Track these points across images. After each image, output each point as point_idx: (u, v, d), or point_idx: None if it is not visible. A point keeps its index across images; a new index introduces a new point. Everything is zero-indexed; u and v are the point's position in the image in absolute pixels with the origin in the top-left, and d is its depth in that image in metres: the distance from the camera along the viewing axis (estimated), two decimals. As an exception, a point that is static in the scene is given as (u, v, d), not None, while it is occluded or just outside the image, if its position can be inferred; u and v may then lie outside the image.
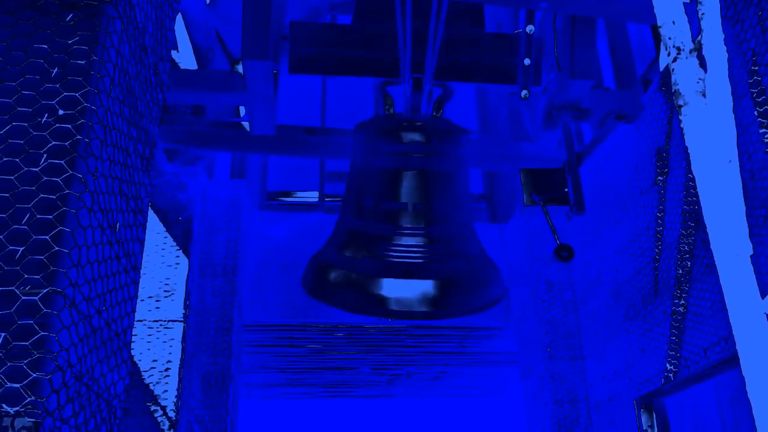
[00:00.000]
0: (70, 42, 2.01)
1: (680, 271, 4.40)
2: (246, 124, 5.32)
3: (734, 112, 1.55)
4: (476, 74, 4.69)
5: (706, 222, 1.41)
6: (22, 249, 1.74)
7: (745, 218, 1.39)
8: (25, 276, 1.72)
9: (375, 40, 4.48)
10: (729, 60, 1.99)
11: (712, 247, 1.40)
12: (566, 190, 4.69)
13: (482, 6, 4.70)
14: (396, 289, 4.21)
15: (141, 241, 2.45)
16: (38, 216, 1.78)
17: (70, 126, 1.89)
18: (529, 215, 5.38)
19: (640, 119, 4.94)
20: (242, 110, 5.95)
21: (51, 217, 1.79)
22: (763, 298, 1.35)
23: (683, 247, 4.36)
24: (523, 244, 6.33)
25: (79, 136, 1.89)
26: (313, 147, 5.34)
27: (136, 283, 2.38)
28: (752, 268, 1.38)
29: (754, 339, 1.31)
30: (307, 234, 6.39)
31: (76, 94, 1.93)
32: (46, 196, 1.80)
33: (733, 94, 1.67)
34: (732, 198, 1.37)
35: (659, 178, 4.71)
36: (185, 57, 5.92)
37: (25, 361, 1.66)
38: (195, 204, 5.63)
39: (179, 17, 5.81)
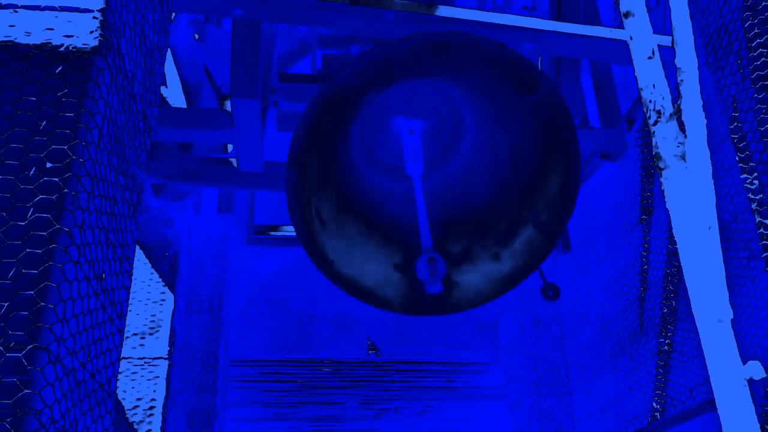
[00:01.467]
0: (59, 94, 2.02)
1: (665, 310, 4.43)
2: (234, 160, 5.33)
3: (716, 155, 1.58)
4: None
5: (687, 287, 1.43)
6: (6, 305, 1.74)
7: (725, 284, 1.41)
8: (10, 332, 1.71)
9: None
10: (710, 106, 2.03)
11: (693, 311, 1.42)
12: (552, 228, 4.72)
13: None
14: None
15: (127, 289, 2.44)
16: (24, 271, 1.78)
17: (57, 179, 1.90)
18: (516, 251, 5.40)
19: (625, 157, 5.00)
20: (230, 146, 5.97)
21: (36, 272, 1.78)
22: (744, 364, 1.37)
23: (668, 286, 4.40)
24: (510, 280, 6.34)
25: (66, 189, 1.89)
26: (300, 183, 5.35)
27: (122, 331, 2.37)
28: (733, 333, 1.40)
29: (735, 404, 1.32)
30: (294, 268, 6.39)
31: (65, 147, 1.94)
32: (32, 250, 1.80)
33: (715, 137, 1.70)
34: (712, 264, 1.39)
35: (644, 216, 4.76)
36: (173, 92, 5.95)
37: (8, 420, 1.64)
38: (181, 239, 5.61)
39: (168, 53, 5.85)
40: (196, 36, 6.14)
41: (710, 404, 4.05)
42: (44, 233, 1.83)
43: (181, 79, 6.04)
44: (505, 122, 3.39)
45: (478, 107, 3.50)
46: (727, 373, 1.34)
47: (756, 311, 3.38)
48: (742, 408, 1.30)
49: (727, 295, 1.41)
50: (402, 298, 3.47)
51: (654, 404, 4.50)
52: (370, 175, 3.79)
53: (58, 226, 1.85)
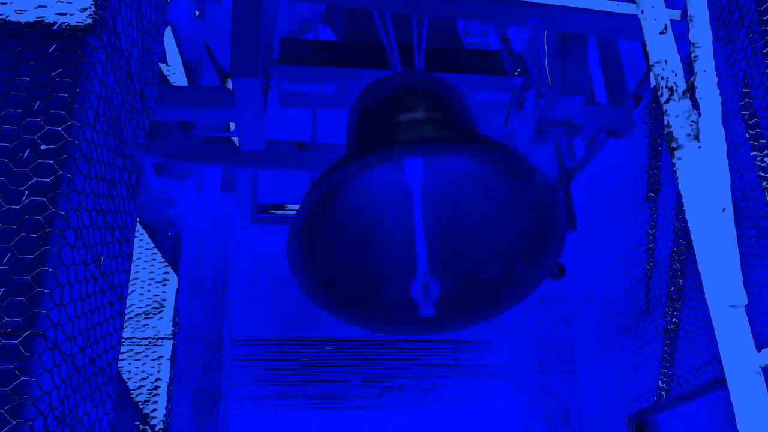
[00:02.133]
0: (52, 74, 1.97)
1: (672, 289, 4.39)
2: (236, 139, 5.28)
3: (726, 131, 1.53)
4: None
5: (700, 271, 1.38)
6: (2, 290, 1.70)
7: (739, 268, 1.36)
8: (6, 318, 1.68)
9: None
10: (720, 81, 1.98)
11: (706, 296, 1.38)
12: (558, 207, 4.67)
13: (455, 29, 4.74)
14: None
15: (127, 272, 2.41)
16: (19, 256, 1.74)
17: (52, 161, 1.85)
18: (521, 230, 5.36)
19: (632, 135, 4.94)
20: (232, 124, 5.91)
21: (32, 257, 1.75)
22: (759, 351, 1.33)
23: (675, 265, 4.35)
24: (515, 258, 6.31)
25: (61, 172, 1.85)
26: (303, 162, 5.31)
27: (122, 314, 2.34)
28: (747, 320, 1.35)
29: (749, 391, 1.28)
30: (297, 247, 6.35)
31: (59, 129, 1.89)
32: (27, 235, 1.76)
33: (725, 114, 1.64)
34: (726, 247, 1.35)
35: (650, 194, 4.70)
36: (175, 70, 5.89)
37: (5, 408, 1.61)
38: (184, 219, 5.58)
39: (168, 30, 5.77)
40: (197, 13, 6.06)
41: (717, 383, 4.02)
42: (39, 217, 1.79)
43: (182, 57, 5.97)
44: (497, 198, 3.68)
45: (475, 184, 3.76)
46: (741, 360, 1.30)
47: (765, 290, 3.33)
48: (757, 396, 1.26)
49: (741, 279, 1.36)
50: (393, 319, 3.77)
51: (660, 383, 4.47)
52: (370, 218, 3.95)
53: (53, 209, 1.81)
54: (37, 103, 1.92)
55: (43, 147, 1.88)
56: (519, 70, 4.70)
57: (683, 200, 1.44)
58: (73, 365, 1.90)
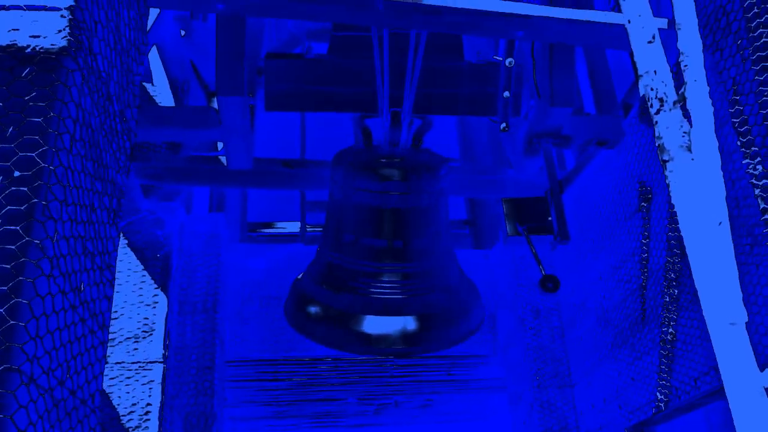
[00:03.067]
0: (26, 98, 1.91)
1: (667, 299, 4.34)
2: (224, 158, 5.22)
3: (717, 139, 1.48)
4: (455, 107, 4.63)
5: (697, 287, 1.33)
6: (-26, 324, 1.64)
7: (738, 283, 1.31)
8: (-22, 354, 1.62)
9: (352, 75, 4.41)
10: (709, 89, 1.93)
11: (704, 314, 1.32)
12: (550, 219, 4.63)
13: (460, 36, 4.65)
14: (376, 327, 4.15)
15: (109, 298, 2.34)
16: (-8, 288, 1.68)
17: (25, 189, 1.79)
18: (514, 242, 5.32)
19: (622, 144, 4.90)
20: (220, 144, 5.86)
21: (6, 288, 1.68)
22: (761, 370, 1.27)
23: (670, 275, 4.31)
24: (509, 271, 6.26)
25: (35, 199, 1.79)
26: (291, 180, 5.25)
27: (104, 343, 2.27)
28: (747, 337, 1.30)
29: (752, 413, 1.23)
30: (289, 266, 6.28)
31: (33, 155, 1.84)
32: (0, 265, 1.70)
33: (715, 121, 1.60)
34: (723, 262, 1.30)
35: (643, 204, 4.66)
36: (161, 90, 5.84)
37: (-22, 447, 1.55)
38: (173, 240, 5.51)
39: (153, 50, 5.73)
40: (183, 33, 6.02)
41: (715, 394, 3.97)
42: (13, 246, 1.72)
43: (168, 77, 5.92)
44: None
45: None
46: (743, 381, 1.24)
47: (761, 299, 3.29)
48: (761, 418, 1.21)
49: (741, 295, 1.31)
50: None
51: (658, 395, 4.41)
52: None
53: (27, 238, 1.74)
54: (10, 128, 1.86)
55: (16, 174, 1.82)
56: (508, 93, 4.64)
57: (677, 215, 1.40)
58: (52, 399, 1.83)
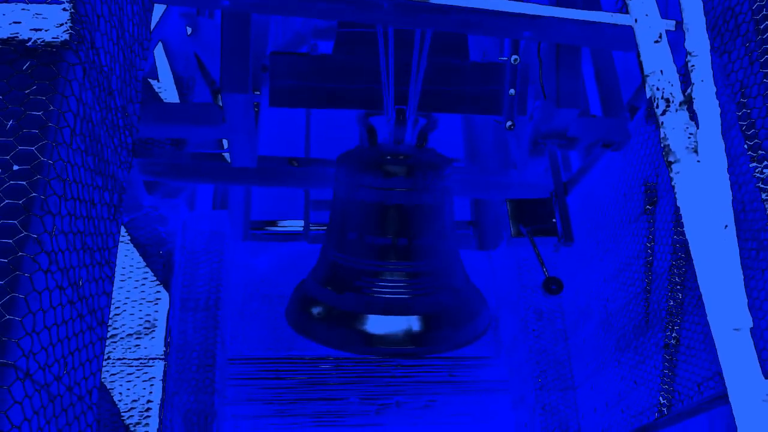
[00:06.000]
0: (26, 92, 1.90)
1: (671, 303, 4.31)
2: (228, 156, 5.21)
3: (723, 142, 1.46)
4: (461, 105, 4.60)
5: (702, 292, 1.31)
6: (-30, 319, 1.62)
7: (743, 288, 1.29)
8: (-26, 349, 1.60)
9: (357, 72, 4.39)
10: (716, 91, 1.91)
11: (708, 319, 1.30)
12: (554, 221, 4.60)
13: (466, 35, 4.63)
14: (380, 326, 4.12)
15: (108, 294, 2.33)
16: (-11, 282, 1.66)
17: (24, 183, 1.78)
18: (517, 244, 5.30)
19: (628, 147, 4.87)
20: (225, 141, 5.85)
21: (2, 282, 1.67)
22: (765, 376, 1.25)
23: (674, 278, 4.28)
24: (512, 273, 6.23)
25: (34, 194, 1.77)
26: (295, 178, 5.24)
27: (103, 339, 2.26)
28: (752, 343, 1.28)
29: (757, 422, 1.20)
30: (292, 264, 6.28)
31: (32, 148, 1.82)
32: (-3, 260, 1.68)
33: (722, 124, 1.57)
34: (729, 266, 1.27)
35: (648, 206, 4.63)
36: (166, 86, 5.83)
37: (-28, 443, 1.53)
38: (176, 237, 5.49)
39: (159, 46, 5.72)
40: (189, 30, 6.00)
41: (719, 399, 3.94)
42: (10, 241, 1.71)
43: (173, 73, 5.91)
44: None
45: None
46: (747, 387, 1.22)
47: (767, 304, 3.26)
48: (764, 425, 1.18)
49: (746, 300, 1.29)
50: None
51: (661, 399, 4.38)
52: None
53: (25, 233, 1.73)
54: (10, 122, 1.85)
55: (15, 168, 1.80)
56: (513, 91, 4.61)
57: (682, 217, 1.37)
58: (48, 395, 1.82)
